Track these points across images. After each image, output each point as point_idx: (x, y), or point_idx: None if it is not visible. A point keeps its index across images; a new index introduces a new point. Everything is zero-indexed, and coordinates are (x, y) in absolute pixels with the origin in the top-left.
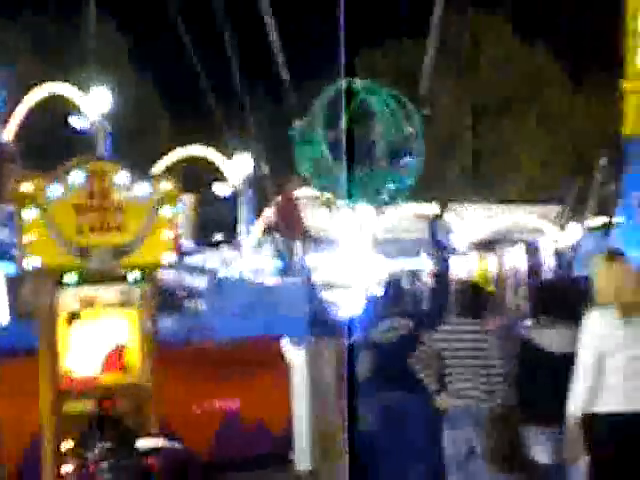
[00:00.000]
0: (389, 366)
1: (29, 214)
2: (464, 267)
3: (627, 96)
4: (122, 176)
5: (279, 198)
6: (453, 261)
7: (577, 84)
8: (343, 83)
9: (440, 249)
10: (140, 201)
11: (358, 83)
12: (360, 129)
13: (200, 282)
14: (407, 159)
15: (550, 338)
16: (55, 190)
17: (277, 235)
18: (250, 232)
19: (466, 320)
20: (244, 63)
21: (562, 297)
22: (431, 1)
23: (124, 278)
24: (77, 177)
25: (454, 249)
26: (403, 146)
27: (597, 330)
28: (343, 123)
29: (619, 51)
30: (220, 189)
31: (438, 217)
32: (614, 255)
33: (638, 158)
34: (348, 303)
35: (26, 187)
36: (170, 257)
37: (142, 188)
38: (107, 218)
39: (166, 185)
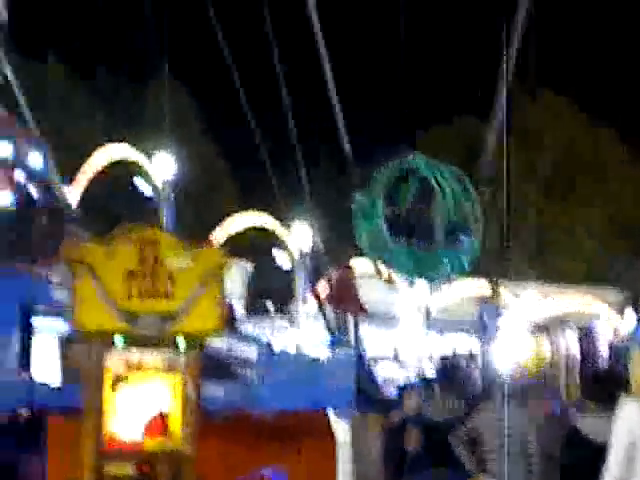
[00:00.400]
0: (438, 445)
1: (81, 277)
2: (518, 349)
3: None
4: (174, 245)
5: (335, 271)
6: (504, 343)
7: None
8: (407, 159)
9: (486, 333)
10: (190, 270)
11: (420, 159)
12: (420, 206)
13: (251, 351)
14: (465, 239)
15: (594, 426)
16: (107, 255)
17: (330, 307)
18: (304, 303)
19: (508, 404)
20: (308, 133)
21: (608, 385)
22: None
23: (170, 344)
24: (129, 243)
25: (501, 333)
26: (462, 226)
27: (630, 420)
28: (404, 199)
29: None
30: (280, 258)
31: (488, 299)
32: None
33: None
34: (400, 379)
35: (79, 251)
36: (217, 326)
37: (193, 257)
38: (156, 285)
39: (216, 255)
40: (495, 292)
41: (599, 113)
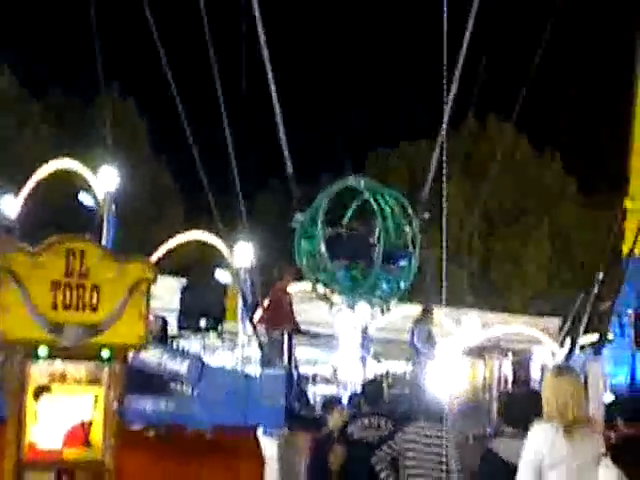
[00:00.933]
0: (362, 463)
1: (6, 286)
2: (453, 373)
3: (629, 215)
4: (101, 256)
5: (271, 289)
6: (439, 366)
7: (586, 198)
8: (349, 180)
9: (418, 354)
10: (116, 282)
11: (362, 181)
12: (360, 228)
13: (183, 366)
14: (404, 261)
15: (510, 449)
16: (34, 265)
17: (265, 326)
18: (240, 320)
19: (432, 425)
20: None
21: (526, 409)
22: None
23: (95, 356)
24: (57, 254)
25: (433, 355)
26: (401, 249)
27: (539, 444)
28: (345, 221)
29: (626, 170)
30: (218, 275)
31: (420, 322)
32: (562, 370)
33: (635, 276)
34: (329, 398)
35: (5, 260)
36: (141, 339)
37: (120, 269)
38: (82, 297)
39: (143, 268)
40: (428, 315)
41: (545, 142)
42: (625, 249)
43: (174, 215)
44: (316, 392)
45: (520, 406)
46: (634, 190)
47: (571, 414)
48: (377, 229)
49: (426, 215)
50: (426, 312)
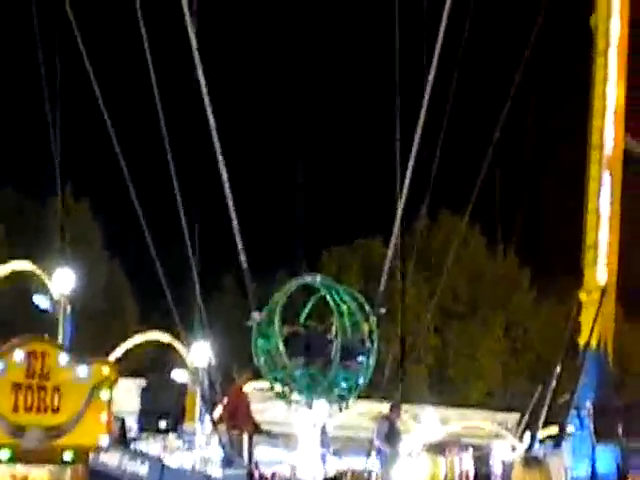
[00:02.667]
0: None
1: None
2: (415, 469)
3: (584, 308)
4: (62, 358)
5: (230, 389)
6: (400, 462)
7: (541, 291)
8: (305, 278)
9: (378, 451)
10: (78, 383)
11: (318, 279)
12: (317, 325)
13: (143, 469)
14: (361, 358)
15: None
16: None
17: (224, 426)
18: (201, 421)
19: None
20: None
21: None
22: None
23: (57, 458)
24: (17, 356)
25: (395, 452)
26: (358, 345)
27: None
28: (301, 318)
29: (580, 264)
30: (177, 376)
31: (385, 418)
32: (530, 462)
33: (592, 368)
34: None
35: None
36: (104, 440)
37: (81, 371)
38: (44, 399)
39: (105, 369)
40: (395, 411)
41: (498, 235)
42: (581, 342)
43: (129, 315)
44: None
45: None
46: (588, 283)
47: None
48: (334, 326)
49: (382, 310)
50: (393, 408)
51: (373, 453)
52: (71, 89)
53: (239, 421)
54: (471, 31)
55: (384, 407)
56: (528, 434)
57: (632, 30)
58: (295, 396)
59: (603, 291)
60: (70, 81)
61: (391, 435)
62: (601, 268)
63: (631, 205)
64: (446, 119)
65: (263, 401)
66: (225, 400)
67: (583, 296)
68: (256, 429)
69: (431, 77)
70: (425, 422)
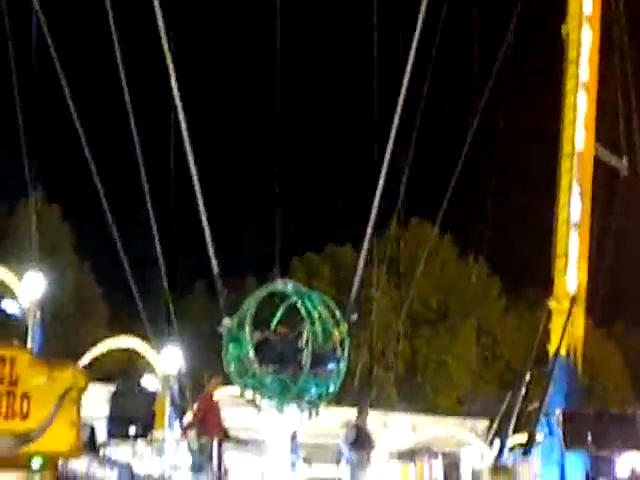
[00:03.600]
0: None
1: None
2: (385, 476)
3: (554, 316)
4: (31, 363)
5: (200, 396)
6: (370, 469)
7: (511, 299)
8: (276, 284)
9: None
10: (47, 390)
11: (289, 285)
12: (288, 332)
13: (112, 475)
14: (332, 365)
15: None
16: None
17: (193, 432)
18: (169, 427)
19: None
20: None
21: None
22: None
23: (26, 465)
24: None
25: (361, 458)
26: (329, 352)
27: None
28: (272, 325)
29: (550, 271)
30: (146, 381)
31: (352, 424)
32: (499, 470)
33: (561, 376)
34: None
35: None
36: (72, 447)
37: (50, 377)
38: (12, 405)
39: (74, 375)
40: (362, 418)
41: (468, 243)
42: (551, 350)
43: (98, 320)
44: None
45: None
46: (558, 291)
47: None
48: (305, 333)
49: (354, 317)
50: (360, 411)
51: (342, 460)
52: (43, 91)
53: (209, 428)
54: (443, 40)
55: (354, 414)
56: (498, 441)
57: (603, 40)
58: (265, 403)
59: (573, 299)
60: (42, 83)
61: (360, 441)
62: (571, 277)
63: (602, 214)
64: (417, 128)
65: (233, 407)
66: (195, 407)
67: (553, 304)
68: (225, 435)
69: (405, 81)
70: (395, 429)
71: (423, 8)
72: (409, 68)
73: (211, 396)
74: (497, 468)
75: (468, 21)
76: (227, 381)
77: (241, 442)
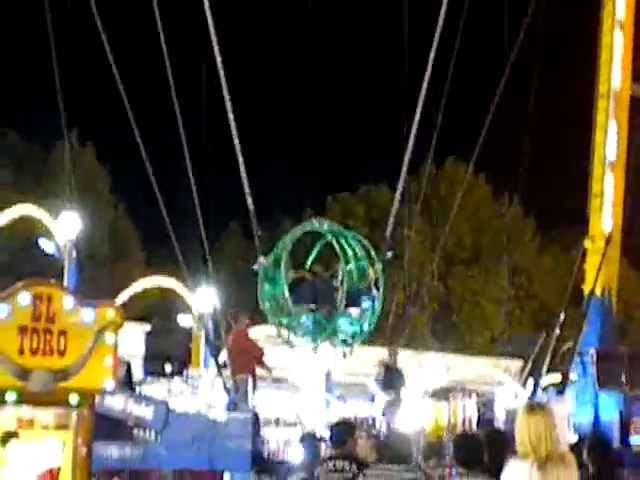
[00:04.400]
0: None
1: None
2: (417, 414)
3: (588, 256)
4: (68, 301)
5: (228, 335)
6: (404, 408)
7: (545, 239)
8: (311, 223)
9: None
10: (83, 327)
11: (325, 225)
12: (323, 271)
13: (148, 412)
14: (367, 304)
15: None
16: (1, 311)
17: (228, 370)
18: (205, 365)
19: (394, 467)
20: (213, 196)
21: (481, 449)
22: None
23: (63, 401)
24: (23, 299)
25: (397, 396)
26: (364, 291)
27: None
28: (307, 263)
29: (585, 211)
30: (181, 320)
31: (385, 365)
32: (534, 407)
33: (596, 316)
34: (296, 442)
35: None
36: (109, 384)
37: (86, 314)
38: (50, 342)
39: (110, 313)
40: (393, 358)
41: (504, 183)
42: (586, 290)
43: (135, 261)
44: (279, 437)
45: (471, 448)
46: (593, 231)
47: (544, 450)
48: (340, 272)
49: (389, 255)
50: (390, 352)
51: (376, 399)
52: (77, 33)
53: (241, 365)
54: None
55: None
56: (531, 381)
57: None
58: (300, 341)
59: (608, 239)
60: (76, 26)
61: (389, 380)
62: (606, 216)
63: (638, 154)
64: (452, 66)
65: (269, 346)
66: (227, 345)
67: (588, 244)
68: (263, 366)
69: (440, 21)
70: (429, 368)
71: None
72: (444, 9)
73: (245, 334)
74: (530, 406)
75: None
76: (261, 319)
77: (276, 380)
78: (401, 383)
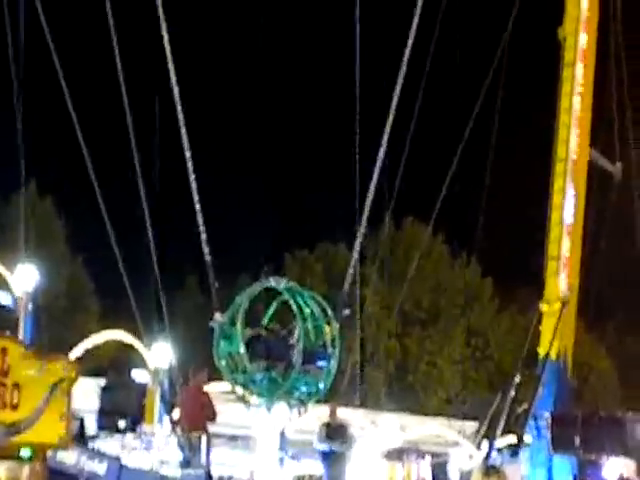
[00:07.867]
0: None
1: None
2: (372, 475)
3: (544, 318)
4: (22, 355)
5: (187, 389)
6: (358, 468)
7: (504, 299)
8: (269, 281)
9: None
10: (38, 381)
11: (282, 283)
12: (280, 329)
13: (101, 468)
14: (323, 363)
15: None
16: None
17: (181, 427)
18: (159, 422)
19: None
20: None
21: None
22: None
23: (15, 455)
24: None
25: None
26: (320, 350)
27: None
28: (264, 321)
29: (541, 273)
30: (136, 376)
31: (326, 424)
32: (489, 471)
33: (551, 379)
34: None
35: None
36: (62, 439)
37: (41, 368)
38: (3, 395)
39: (65, 367)
40: (332, 415)
41: (462, 244)
42: (541, 352)
43: (90, 314)
44: None
45: None
46: (549, 294)
47: None
48: (297, 330)
49: (346, 312)
50: (330, 409)
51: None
52: (37, 84)
53: (194, 423)
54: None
55: (343, 412)
56: (486, 443)
57: (599, 44)
58: (255, 399)
59: (564, 302)
60: (36, 76)
61: (332, 436)
62: (563, 279)
63: (594, 217)
64: (412, 127)
65: (223, 403)
66: (182, 399)
67: (544, 306)
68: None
69: (400, 79)
70: (383, 428)
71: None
72: (405, 62)
73: (200, 391)
74: (486, 469)
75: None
76: (216, 377)
77: (230, 438)
78: (344, 439)
